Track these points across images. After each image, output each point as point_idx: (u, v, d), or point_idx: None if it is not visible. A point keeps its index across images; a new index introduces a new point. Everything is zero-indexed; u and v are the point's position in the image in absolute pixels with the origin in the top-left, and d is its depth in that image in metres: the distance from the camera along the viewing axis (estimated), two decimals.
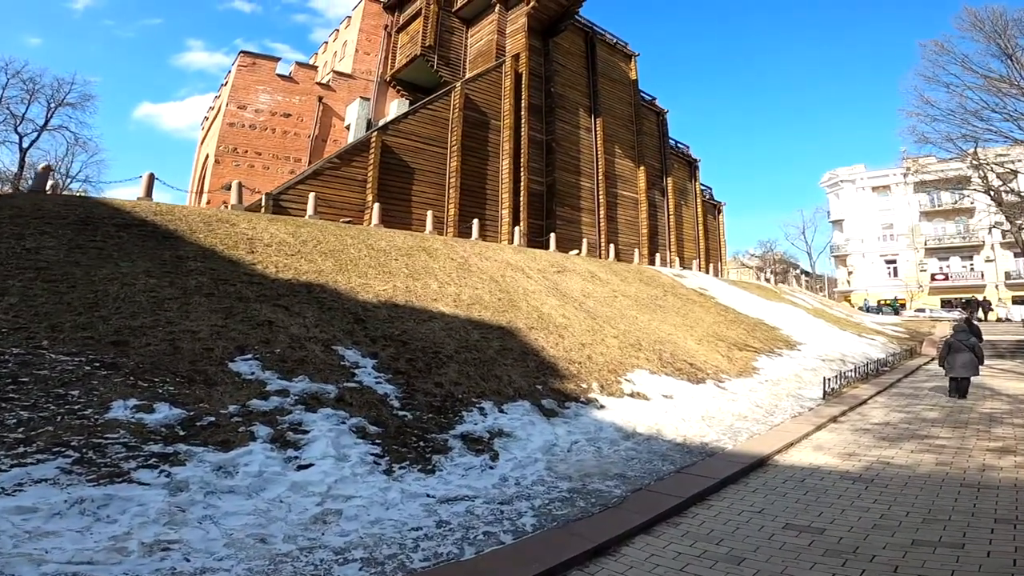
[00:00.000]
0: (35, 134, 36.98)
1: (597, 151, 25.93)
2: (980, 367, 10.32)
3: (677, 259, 28.87)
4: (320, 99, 25.60)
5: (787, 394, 9.93)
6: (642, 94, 30.71)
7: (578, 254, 19.34)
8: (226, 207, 15.72)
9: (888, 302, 42.11)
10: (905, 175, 38.67)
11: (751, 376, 11.17)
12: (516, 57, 22.96)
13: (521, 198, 21.06)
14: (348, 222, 13.30)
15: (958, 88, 21.03)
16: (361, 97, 25.33)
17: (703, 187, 34.98)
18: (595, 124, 26.21)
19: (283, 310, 7.60)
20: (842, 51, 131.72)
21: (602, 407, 7.36)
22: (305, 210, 14.81)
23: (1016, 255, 43.13)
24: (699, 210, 33.24)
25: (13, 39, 78.56)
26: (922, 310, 39.67)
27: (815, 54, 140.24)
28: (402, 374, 6.76)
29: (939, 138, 21.99)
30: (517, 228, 18.84)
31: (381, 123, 19.44)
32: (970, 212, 43.68)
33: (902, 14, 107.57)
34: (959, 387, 10.20)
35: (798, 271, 69.23)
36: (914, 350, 19.01)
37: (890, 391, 11.67)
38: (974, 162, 24.08)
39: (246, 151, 23.08)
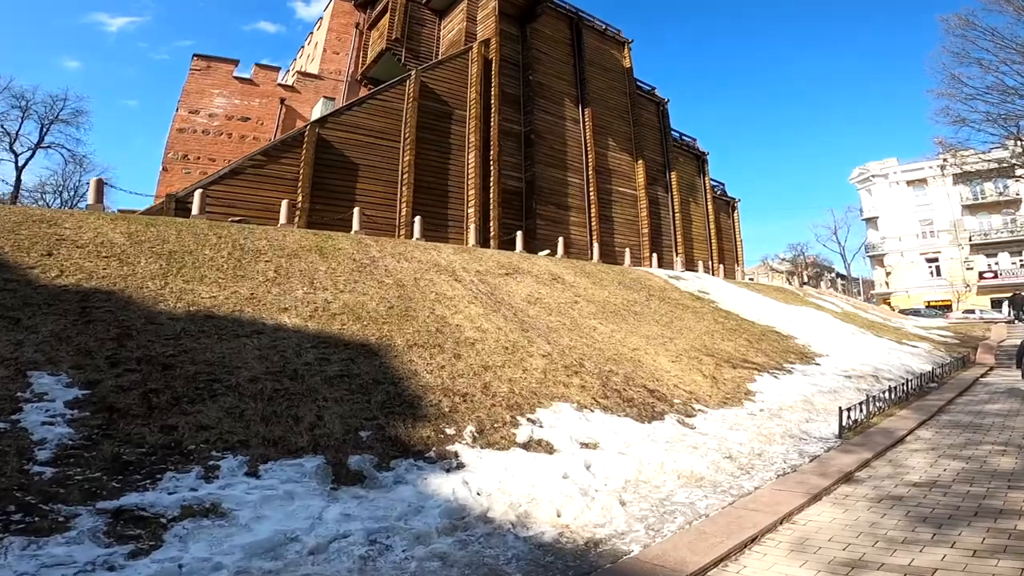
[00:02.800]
0: (30, 152, 36.43)
1: (586, 144, 23.22)
2: None
3: (684, 260, 25.84)
4: (283, 101, 23.66)
5: (784, 432, 7.00)
6: (639, 83, 27.95)
7: (549, 254, 16.63)
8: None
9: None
10: (942, 167, 34.92)
11: (740, 404, 8.26)
12: (485, 43, 20.58)
13: (491, 195, 18.46)
14: (239, 221, 10.95)
15: (993, 63, 17.85)
16: (325, 97, 23.28)
17: (714, 182, 31.73)
18: (583, 115, 23.53)
19: (5, 323, 5.20)
20: (864, 37, 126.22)
21: (458, 467, 4.64)
22: (218, 212, 12.73)
23: None
24: (709, 207, 30.00)
25: (52, 63, 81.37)
26: (971, 311, 35.42)
27: (835, 44, 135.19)
28: (112, 412, 4.24)
29: (978, 118, 18.77)
30: (473, 226, 16.27)
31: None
32: (1017, 204, 39.32)
33: None
34: None
35: (833, 274, 64.73)
36: (967, 358, 15.61)
37: (939, 419, 8.56)
38: (1016, 148, 20.63)
39: (198, 157, 21.15)
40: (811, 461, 5.85)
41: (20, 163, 36.21)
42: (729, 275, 27.82)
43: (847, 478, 5.37)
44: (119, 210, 13.30)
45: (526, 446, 5.30)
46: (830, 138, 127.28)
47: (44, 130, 36.83)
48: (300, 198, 14.35)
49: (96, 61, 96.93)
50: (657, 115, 28.64)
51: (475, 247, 14.56)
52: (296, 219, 14.13)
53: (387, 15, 23.67)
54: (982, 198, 42.43)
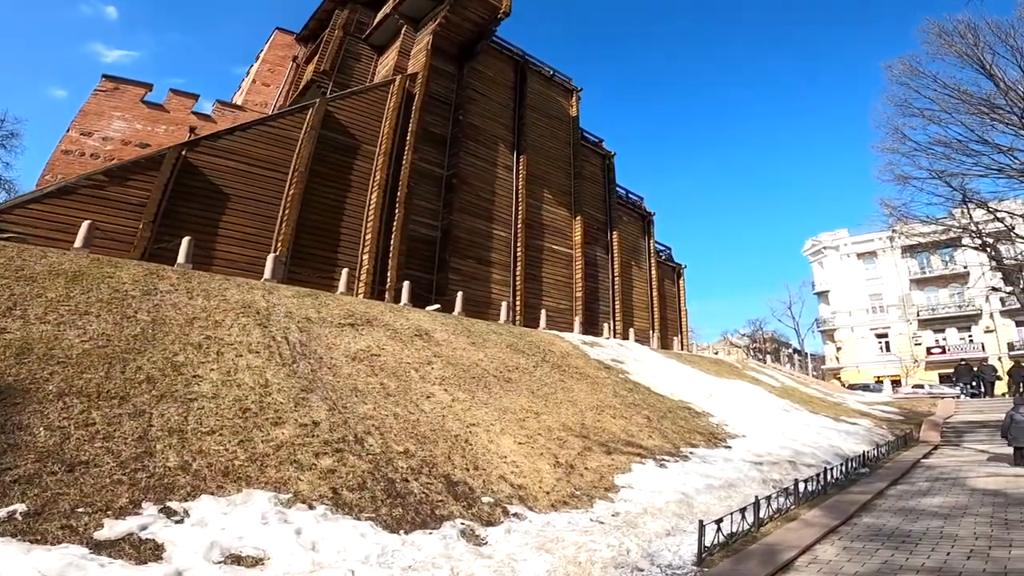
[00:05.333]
0: None
1: (518, 193, 21.67)
2: None
3: (622, 327, 23.99)
4: (192, 130, 21.79)
5: (613, 558, 4.83)
6: (585, 134, 26.95)
7: (439, 309, 14.59)
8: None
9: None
10: (891, 238, 34.80)
11: (588, 506, 6.12)
12: (412, 77, 19.25)
13: (393, 241, 16.50)
14: (9, 238, 8.77)
15: (935, 113, 17.10)
16: None
17: (659, 246, 30.42)
18: (518, 162, 22.15)
19: None
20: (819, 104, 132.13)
21: None
22: (24, 234, 10.65)
23: (1019, 324, 38.59)
24: (653, 272, 28.51)
25: (36, 89, 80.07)
26: (920, 386, 34.37)
27: (787, 112, 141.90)
28: None
29: (922, 174, 17.84)
30: (346, 271, 14.15)
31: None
32: (964, 278, 39.30)
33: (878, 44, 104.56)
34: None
35: (790, 350, 64.04)
36: (909, 436, 13.97)
37: (856, 523, 6.50)
38: (963, 218, 19.86)
39: None
40: None
41: None
42: (667, 345, 26.06)
43: None
44: None
45: (100, 546, 3.12)
46: (792, 207, 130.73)
47: None
48: (141, 227, 12.21)
49: (84, 92, 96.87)
50: (602, 169, 27.53)
51: (342, 295, 12.49)
52: (134, 250, 11.97)
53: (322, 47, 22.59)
54: (929, 272, 42.47)
